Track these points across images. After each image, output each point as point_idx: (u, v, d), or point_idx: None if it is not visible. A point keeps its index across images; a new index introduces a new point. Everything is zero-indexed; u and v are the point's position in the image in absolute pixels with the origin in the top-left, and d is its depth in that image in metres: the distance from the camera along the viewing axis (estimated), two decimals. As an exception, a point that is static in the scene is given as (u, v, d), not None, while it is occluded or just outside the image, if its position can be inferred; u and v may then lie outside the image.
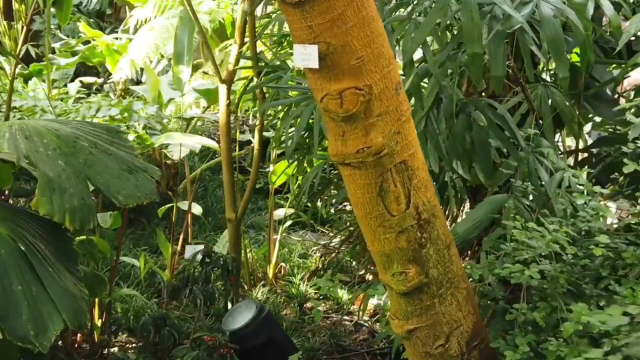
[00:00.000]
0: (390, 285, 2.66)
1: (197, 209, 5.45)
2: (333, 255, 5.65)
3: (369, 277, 5.45)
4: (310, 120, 3.67)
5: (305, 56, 2.33)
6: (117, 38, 10.12)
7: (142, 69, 9.47)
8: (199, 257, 3.82)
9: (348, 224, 6.48)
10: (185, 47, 5.38)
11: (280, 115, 4.50)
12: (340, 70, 2.34)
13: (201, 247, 4.23)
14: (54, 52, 10.07)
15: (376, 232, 2.58)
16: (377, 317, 4.92)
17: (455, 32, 3.35)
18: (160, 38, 9.36)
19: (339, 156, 2.48)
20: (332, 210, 6.84)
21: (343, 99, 2.36)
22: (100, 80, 10.35)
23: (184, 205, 5.12)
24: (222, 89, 4.41)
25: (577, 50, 3.64)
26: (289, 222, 5.72)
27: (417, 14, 3.15)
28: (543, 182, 3.10)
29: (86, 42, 10.40)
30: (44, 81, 9.72)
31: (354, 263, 5.70)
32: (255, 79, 4.33)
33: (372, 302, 5.11)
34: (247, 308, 3.77)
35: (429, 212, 2.59)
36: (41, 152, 2.91)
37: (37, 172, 2.81)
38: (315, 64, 2.31)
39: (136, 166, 3.14)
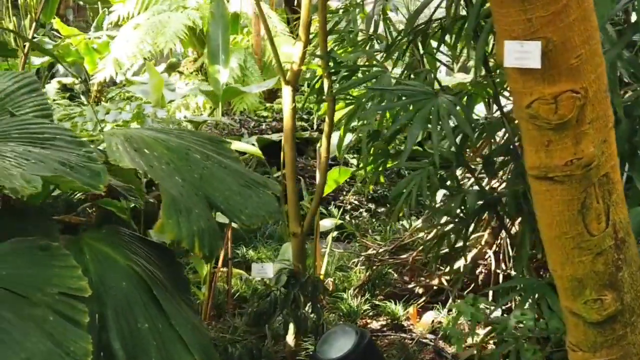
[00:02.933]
0: (579, 313, 2.35)
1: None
2: (374, 267, 5.32)
3: (419, 290, 5.16)
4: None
5: (521, 54, 2.01)
6: (98, 37, 9.61)
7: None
8: (284, 277, 3.45)
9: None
10: (220, 46, 4.97)
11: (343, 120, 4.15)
12: (557, 71, 2.02)
13: (270, 265, 3.86)
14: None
15: (570, 255, 2.27)
16: (440, 334, 4.60)
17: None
18: (149, 35, 8.90)
19: (541, 169, 2.16)
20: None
21: (558, 103, 2.05)
22: (77, 81, 9.80)
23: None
24: (287, 91, 4.03)
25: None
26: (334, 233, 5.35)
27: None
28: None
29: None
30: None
31: (395, 275, 5.39)
32: (325, 80, 3.96)
33: (428, 316, 4.83)
34: (345, 334, 3.40)
35: (624, 231, 2.30)
36: (156, 166, 2.51)
37: (160, 190, 2.40)
38: (535, 64, 1.99)
39: (254, 180, 2.76)
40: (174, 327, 2.41)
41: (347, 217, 6.89)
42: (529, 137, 2.17)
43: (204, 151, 2.74)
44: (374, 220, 7.01)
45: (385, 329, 4.77)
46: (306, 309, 3.58)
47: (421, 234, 5.44)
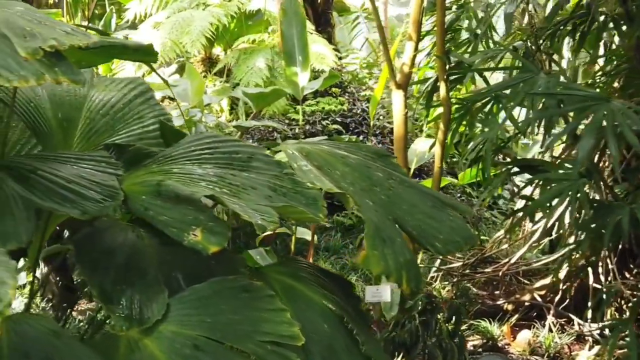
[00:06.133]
0: None
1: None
2: (458, 282, 4.99)
3: (508, 306, 4.83)
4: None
5: None
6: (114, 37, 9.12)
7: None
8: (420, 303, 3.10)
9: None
10: (296, 45, 4.57)
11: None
12: None
13: (386, 288, 3.51)
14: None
15: None
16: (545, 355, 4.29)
17: None
18: (175, 34, 8.44)
19: None
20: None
21: None
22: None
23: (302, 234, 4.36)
24: (398, 96, 3.69)
25: None
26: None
27: None
28: None
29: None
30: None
31: (475, 291, 5.05)
32: (442, 83, 3.62)
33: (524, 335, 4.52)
34: (495, 366, 3.07)
35: None
36: (344, 187, 2.15)
37: (363, 216, 2.05)
38: None
39: (441, 201, 2.39)
40: (380, 374, 2.07)
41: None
42: None
43: (384, 168, 2.39)
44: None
45: (480, 349, 4.44)
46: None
47: (505, 246, 5.12)
